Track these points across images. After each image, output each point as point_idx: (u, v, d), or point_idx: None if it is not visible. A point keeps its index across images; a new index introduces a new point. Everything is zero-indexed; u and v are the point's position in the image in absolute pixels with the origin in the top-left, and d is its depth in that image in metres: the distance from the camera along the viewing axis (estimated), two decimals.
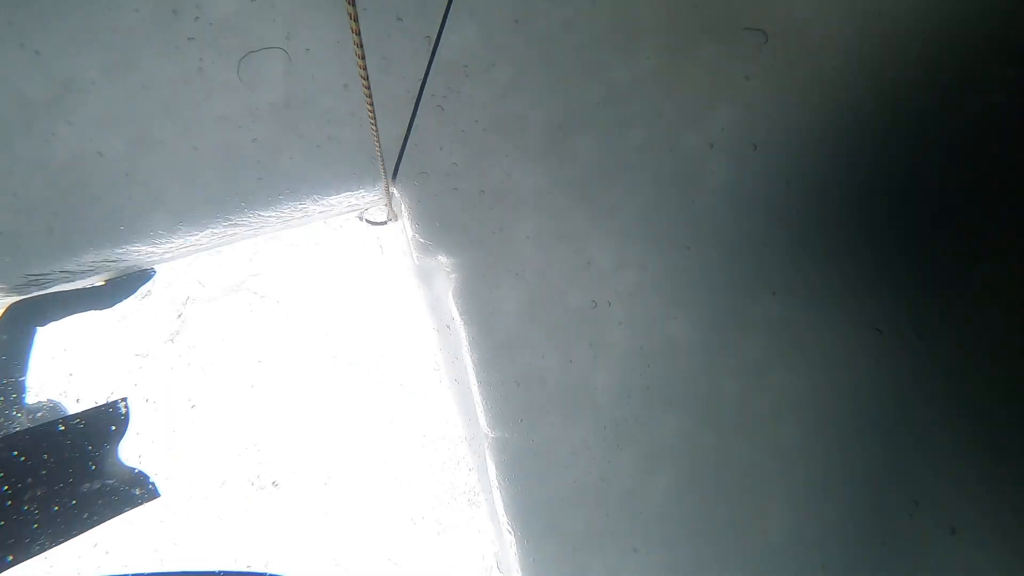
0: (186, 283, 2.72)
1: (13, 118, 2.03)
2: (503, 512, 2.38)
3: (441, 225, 2.26)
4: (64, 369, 2.56)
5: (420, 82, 2.24)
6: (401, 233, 2.62)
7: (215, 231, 2.30)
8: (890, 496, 2.33)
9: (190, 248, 2.35)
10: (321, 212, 2.36)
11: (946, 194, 2.41)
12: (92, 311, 2.38)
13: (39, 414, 2.32)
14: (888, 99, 2.41)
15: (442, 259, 2.33)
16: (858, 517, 2.34)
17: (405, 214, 2.21)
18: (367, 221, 2.60)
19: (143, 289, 2.48)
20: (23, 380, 2.32)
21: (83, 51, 2.07)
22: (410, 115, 2.25)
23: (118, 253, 2.24)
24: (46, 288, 2.26)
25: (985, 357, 2.34)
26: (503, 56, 2.23)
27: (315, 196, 2.26)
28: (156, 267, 2.46)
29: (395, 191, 2.19)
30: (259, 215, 2.28)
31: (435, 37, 2.20)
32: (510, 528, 2.35)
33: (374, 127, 1.72)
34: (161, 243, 2.28)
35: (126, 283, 2.37)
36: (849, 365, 2.37)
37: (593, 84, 2.33)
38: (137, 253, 2.27)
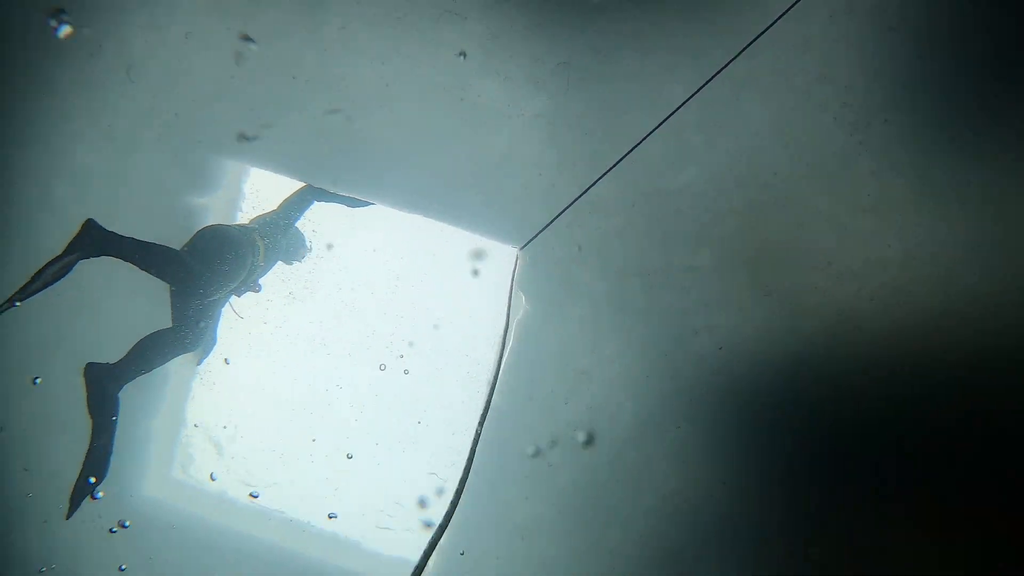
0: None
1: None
2: None
3: (527, 292, 3.62)
4: None
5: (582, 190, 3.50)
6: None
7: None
8: None
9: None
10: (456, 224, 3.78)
11: None
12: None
13: None
14: None
15: (519, 292, 3.71)
16: None
17: (519, 267, 3.58)
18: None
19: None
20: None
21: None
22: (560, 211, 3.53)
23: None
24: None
25: None
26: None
27: (468, 220, 3.69)
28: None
29: (519, 252, 3.55)
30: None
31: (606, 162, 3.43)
32: None
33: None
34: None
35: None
36: None
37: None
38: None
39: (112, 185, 3.83)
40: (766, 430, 3.41)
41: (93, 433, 2.95)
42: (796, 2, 3.12)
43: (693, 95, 3.25)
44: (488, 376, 3.88)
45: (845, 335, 3.30)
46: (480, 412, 3.81)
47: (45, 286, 2.83)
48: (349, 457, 5.15)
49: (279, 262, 4.04)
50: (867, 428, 3.27)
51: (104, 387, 2.98)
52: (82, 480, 2.90)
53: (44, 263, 2.87)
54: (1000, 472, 3.20)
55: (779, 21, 3.11)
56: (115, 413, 3.00)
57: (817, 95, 3.19)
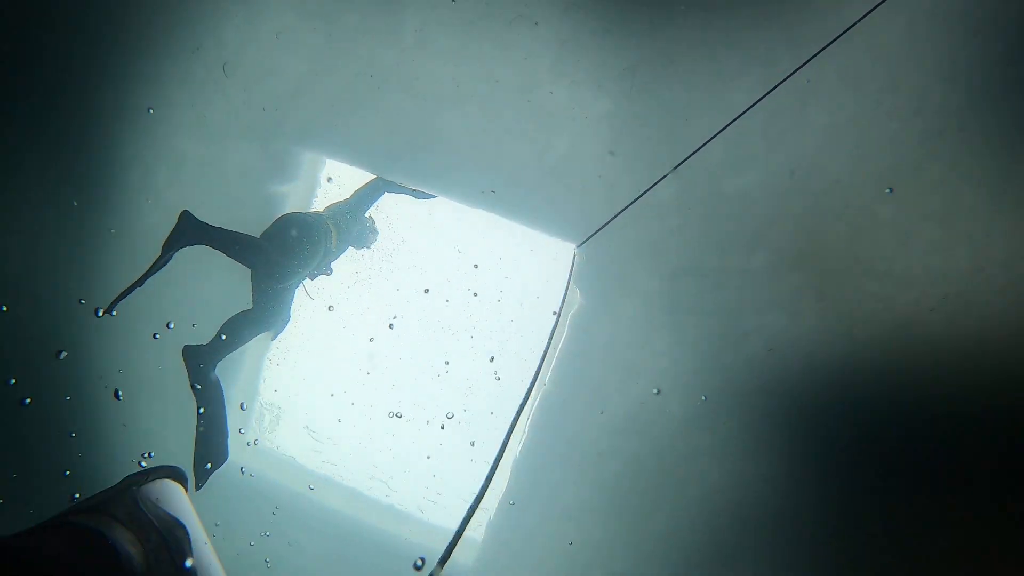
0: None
1: None
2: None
3: (583, 288, 3.76)
4: None
5: (637, 195, 3.59)
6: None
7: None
8: None
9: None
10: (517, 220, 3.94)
11: None
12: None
13: None
14: None
15: (575, 287, 3.85)
16: None
17: (576, 263, 3.72)
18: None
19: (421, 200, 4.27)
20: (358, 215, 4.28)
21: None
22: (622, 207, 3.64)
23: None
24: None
25: None
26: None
27: (529, 217, 3.84)
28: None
29: (577, 249, 3.69)
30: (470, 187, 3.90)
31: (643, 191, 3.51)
32: None
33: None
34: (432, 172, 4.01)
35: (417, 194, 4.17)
36: None
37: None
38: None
39: (204, 171, 4.18)
40: (813, 433, 3.46)
41: (198, 405, 3.30)
42: (871, 9, 3.11)
43: (757, 101, 3.27)
44: (536, 365, 4.06)
45: (902, 344, 3.29)
46: (522, 396, 3.99)
47: (150, 275, 3.19)
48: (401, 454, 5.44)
49: (350, 247, 4.32)
50: (921, 439, 3.27)
51: (200, 365, 3.32)
52: (199, 456, 3.24)
53: (148, 265, 3.24)
54: None
55: (854, 26, 3.10)
56: (219, 391, 3.33)
57: (887, 103, 3.17)
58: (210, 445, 3.27)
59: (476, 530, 4.29)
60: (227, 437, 3.35)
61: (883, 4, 2.97)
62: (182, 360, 3.35)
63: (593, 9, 3.37)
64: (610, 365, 3.79)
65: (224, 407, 3.35)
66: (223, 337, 3.49)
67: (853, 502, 3.43)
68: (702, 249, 3.53)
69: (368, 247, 4.45)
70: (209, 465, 3.24)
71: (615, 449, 3.78)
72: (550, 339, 3.85)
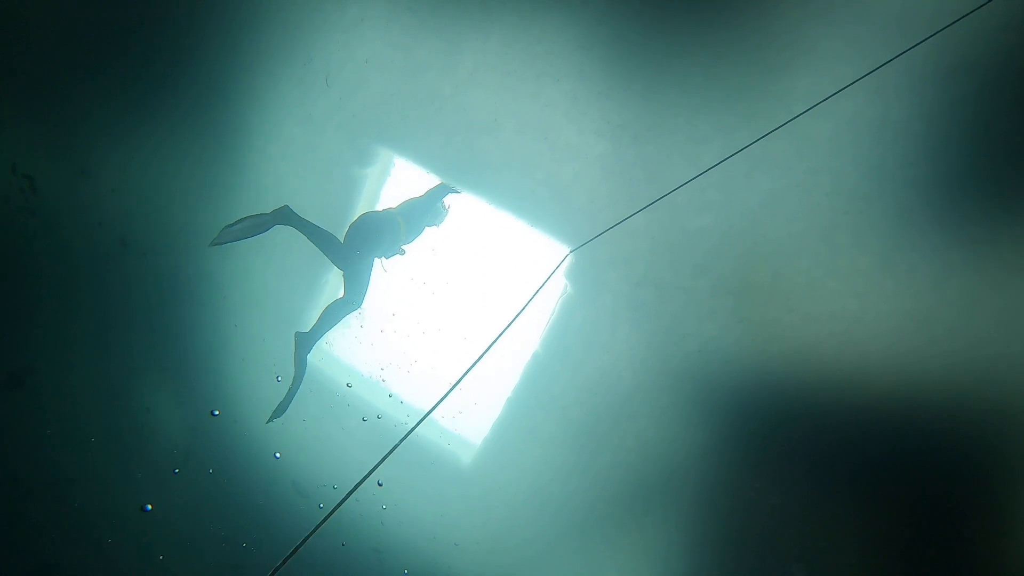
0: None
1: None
2: None
3: (571, 281, 4.94)
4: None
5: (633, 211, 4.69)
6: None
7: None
8: None
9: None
10: (530, 224, 5.09)
11: None
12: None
13: None
14: None
15: (565, 280, 5.06)
16: None
17: (568, 262, 4.91)
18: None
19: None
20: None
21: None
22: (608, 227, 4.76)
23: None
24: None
25: None
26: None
27: (539, 223, 5.01)
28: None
29: (571, 252, 4.87)
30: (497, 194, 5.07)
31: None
32: None
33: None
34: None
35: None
36: None
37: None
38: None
39: (305, 152, 5.55)
40: (722, 413, 4.64)
41: (294, 377, 4.69)
42: (807, 109, 3.96)
43: (717, 164, 4.23)
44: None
45: (798, 363, 4.35)
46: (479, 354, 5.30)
47: (247, 235, 4.52)
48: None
49: (426, 228, 5.51)
50: (805, 428, 4.40)
51: (303, 347, 4.65)
52: (281, 407, 4.68)
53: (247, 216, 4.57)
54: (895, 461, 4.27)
55: (794, 120, 3.98)
56: (305, 367, 4.68)
57: (813, 181, 4.08)
58: (287, 402, 4.70)
59: (477, 438, 5.80)
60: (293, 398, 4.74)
61: (817, 106, 3.82)
62: (293, 343, 4.68)
63: (599, 76, 4.37)
64: (585, 340, 5.04)
65: (302, 379, 4.70)
66: (322, 323, 4.77)
67: (741, 466, 4.65)
68: (662, 268, 4.63)
69: (440, 224, 5.60)
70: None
71: (579, 402, 5.11)
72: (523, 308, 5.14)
